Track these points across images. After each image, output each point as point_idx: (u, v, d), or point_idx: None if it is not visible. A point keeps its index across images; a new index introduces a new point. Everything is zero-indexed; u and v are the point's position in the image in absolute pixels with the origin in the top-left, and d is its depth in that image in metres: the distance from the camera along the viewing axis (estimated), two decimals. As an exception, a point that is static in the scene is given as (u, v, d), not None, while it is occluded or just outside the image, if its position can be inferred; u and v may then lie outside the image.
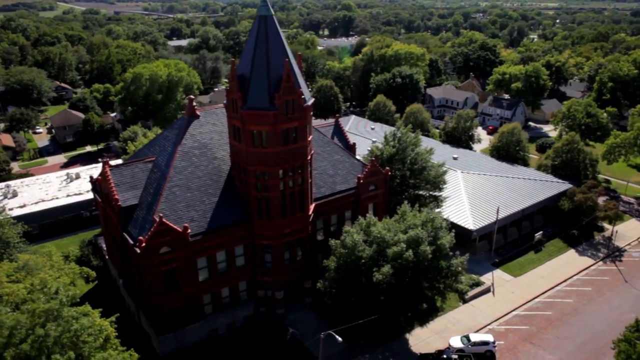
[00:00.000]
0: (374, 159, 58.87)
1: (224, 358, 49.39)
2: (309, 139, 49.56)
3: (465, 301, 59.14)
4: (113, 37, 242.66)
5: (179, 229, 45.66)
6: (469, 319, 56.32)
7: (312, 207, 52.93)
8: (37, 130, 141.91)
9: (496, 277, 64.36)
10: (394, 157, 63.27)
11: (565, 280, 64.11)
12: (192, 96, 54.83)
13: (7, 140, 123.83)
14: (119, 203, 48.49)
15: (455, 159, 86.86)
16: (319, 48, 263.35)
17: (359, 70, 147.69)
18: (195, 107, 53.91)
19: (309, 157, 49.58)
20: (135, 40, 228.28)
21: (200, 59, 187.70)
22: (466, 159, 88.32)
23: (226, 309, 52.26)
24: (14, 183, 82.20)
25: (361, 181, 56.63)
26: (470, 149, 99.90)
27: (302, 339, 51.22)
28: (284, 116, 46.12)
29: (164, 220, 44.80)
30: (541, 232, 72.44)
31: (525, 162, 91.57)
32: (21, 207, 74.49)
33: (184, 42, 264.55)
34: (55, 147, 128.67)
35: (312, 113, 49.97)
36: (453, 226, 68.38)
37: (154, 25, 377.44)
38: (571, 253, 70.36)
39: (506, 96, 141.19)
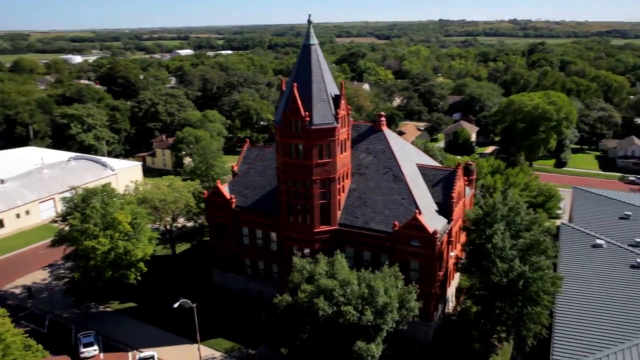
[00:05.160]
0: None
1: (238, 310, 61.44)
2: (322, 161, 51.98)
3: None
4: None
5: (227, 196, 60.83)
6: None
7: (328, 227, 54.63)
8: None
9: None
10: (480, 223, 51.45)
11: None
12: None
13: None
14: (235, 169, 67.30)
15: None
16: None
17: None
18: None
19: (316, 177, 52.20)
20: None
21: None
22: None
23: (259, 278, 62.91)
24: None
25: (395, 228, 51.82)
26: None
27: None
28: (290, 132, 51.87)
29: (218, 186, 61.23)
30: None
31: None
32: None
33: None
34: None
35: (331, 138, 51.53)
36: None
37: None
38: None
39: None
